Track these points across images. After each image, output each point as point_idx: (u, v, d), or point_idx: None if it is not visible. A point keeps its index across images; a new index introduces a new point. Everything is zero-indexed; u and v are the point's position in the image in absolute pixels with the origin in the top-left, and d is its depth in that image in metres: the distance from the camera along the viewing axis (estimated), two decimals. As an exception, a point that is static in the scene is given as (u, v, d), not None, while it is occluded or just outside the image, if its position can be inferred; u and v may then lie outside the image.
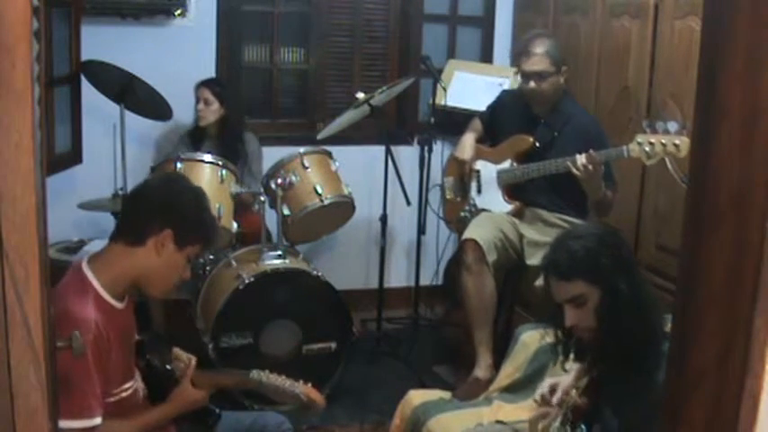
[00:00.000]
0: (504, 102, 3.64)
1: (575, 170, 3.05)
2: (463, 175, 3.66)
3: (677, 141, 2.80)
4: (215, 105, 3.86)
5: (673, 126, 2.84)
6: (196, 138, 3.94)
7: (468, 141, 3.59)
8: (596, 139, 3.12)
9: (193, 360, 2.11)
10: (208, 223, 2.03)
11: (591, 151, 3.02)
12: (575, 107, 3.41)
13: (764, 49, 0.84)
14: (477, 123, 3.70)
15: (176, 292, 3.81)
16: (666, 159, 3.20)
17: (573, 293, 1.83)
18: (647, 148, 2.85)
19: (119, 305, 1.91)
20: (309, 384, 2.13)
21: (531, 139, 3.38)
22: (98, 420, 1.79)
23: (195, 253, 1.99)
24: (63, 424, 1.69)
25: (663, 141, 2.82)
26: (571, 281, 1.82)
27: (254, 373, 2.12)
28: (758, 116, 0.85)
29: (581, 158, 3.02)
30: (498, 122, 3.59)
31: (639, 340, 1.79)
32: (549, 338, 2.04)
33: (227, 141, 3.87)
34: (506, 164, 3.48)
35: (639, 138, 2.88)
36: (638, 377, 1.77)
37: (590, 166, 3.00)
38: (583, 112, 3.42)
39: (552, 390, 2.02)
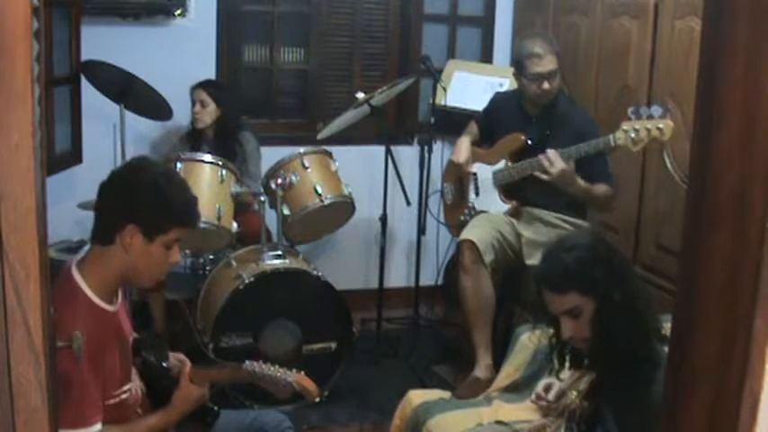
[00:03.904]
0: (498, 104, 3.64)
1: (544, 164, 3.08)
2: (461, 179, 3.66)
3: (661, 125, 2.82)
4: (211, 107, 3.84)
5: (657, 111, 2.86)
6: (194, 140, 3.91)
7: (463, 144, 3.59)
8: (590, 137, 3.12)
9: (187, 361, 2.10)
10: (176, 208, 1.89)
11: (548, 151, 3.07)
12: (569, 106, 3.42)
13: (764, 50, 0.84)
14: (472, 126, 3.71)
15: (176, 291, 3.83)
16: (666, 159, 3.22)
17: (568, 306, 1.81)
18: (632, 135, 2.87)
19: (110, 308, 1.89)
20: (303, 373, 2.13)
21: (523, 138, 3.38)
22: (97, 427, 1.78)
23: (175, 238, 1.89)
24: None
25: (647, 126, 2.84)
26: (565, 294, 1.80)
27: (247, 364, 2.11)
28: (758, 116, 0.85)
29: (549, 152, 3.07)
30: (494, 124, 3.60)
31: (636, 345, 1.79)
32: (545, 339, 2.03)
33: (224, 143, 3.83)
34: (501, 164, 3.48)
35: (625, 125, 2.89)
36: (636, 380, 1.77)
37: (558, 163, 3.03)
38: (578, 110, 3.42)
39: (547, 389, 2.02)
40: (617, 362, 1.79)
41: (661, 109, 2.86)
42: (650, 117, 2.85)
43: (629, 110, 2.91)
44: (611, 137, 2.96)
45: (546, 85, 3.25)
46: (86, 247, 1.94)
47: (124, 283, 1.95)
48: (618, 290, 1.79)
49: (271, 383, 2.10)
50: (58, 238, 3.54)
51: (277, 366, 2.11)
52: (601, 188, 3.21)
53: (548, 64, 3.24)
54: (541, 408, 2.19)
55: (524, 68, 3.29)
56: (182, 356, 2.13)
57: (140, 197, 1.86)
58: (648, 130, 2.84)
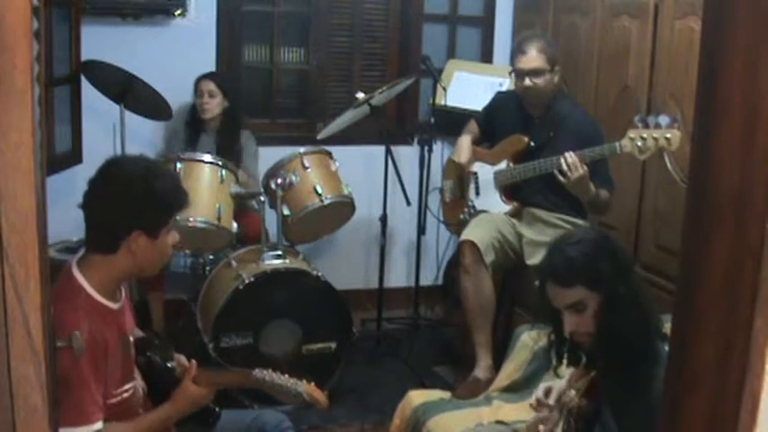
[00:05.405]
0: (500, 103, 3.64)
1: (564, 167, 3.04)
2: (462, 178, 3.66)
3: (668, 135, 2.81)
4: (219, 97, 3.86)
5: (664, 120, 2.85)
6: (194, 129, 3.91)
7: (464, 144, 3.59)
8: (592, 140, 3.11)
9: (193, 362, 2.10)
10: (170, 198, 1.90)
11: (567, 154, 3.02)
12: (571, 107, 3.40)
13: (764, 49, 0.84)
14: (473, 125, 3.70)
15: (176, 291, 3.84)
16: (666, 159, 3.21)
17: (573, 300, 1.80)
18: (639, 143, 2.86)
19: (113, 306, 1.89)
20: (313, 383, 2.12)
21: (526, 139, 3.38)
22: (99, 425, 1.78)
23: (173, 223, 1.93)
24: (63, 431, 1.68)
25: (654, 136, 2.83)
26: (571, 287, 1.79)
27: (257, 372, 2.11)
28: (758, 116, 0.85)
29: (569, 156, 3.02)
30: (495, 124, 3.59)
31: (639, 342, 1.79)
32: (544, 338, 2.03)
33: (227, 136, 3.85)
34: (503, 165, 3.48)
35: (632, 133, 2.88)
36: (637, 378, 1.77)
37: (579, 167, 3.00)
38: (580, 112, 3.40)
39: (547, 393, 2.02)
40: (618, 358, 1.79)
41: (668, 118, 2.84)
42: (657, 126, 2.83)
43: (636, 118, 2.89)
44: (617, 144, 2.94)
45: (527, 82, 3.25)
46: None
47: (128, 278, 1.95)
48: (623, 285, 1.79)
49: (280, 393, 2.09)
50: (58, 238, 3.54)
51: (287, 375, 2.11)
52: (603, 193, 3.20)
53: (530, 62, 3.24)
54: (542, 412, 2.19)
55: (512, 64, 3.34)
56: (185, 361, 2.12)
57: (137, 204, 1.86)
58: (656, 140, 2.82)
